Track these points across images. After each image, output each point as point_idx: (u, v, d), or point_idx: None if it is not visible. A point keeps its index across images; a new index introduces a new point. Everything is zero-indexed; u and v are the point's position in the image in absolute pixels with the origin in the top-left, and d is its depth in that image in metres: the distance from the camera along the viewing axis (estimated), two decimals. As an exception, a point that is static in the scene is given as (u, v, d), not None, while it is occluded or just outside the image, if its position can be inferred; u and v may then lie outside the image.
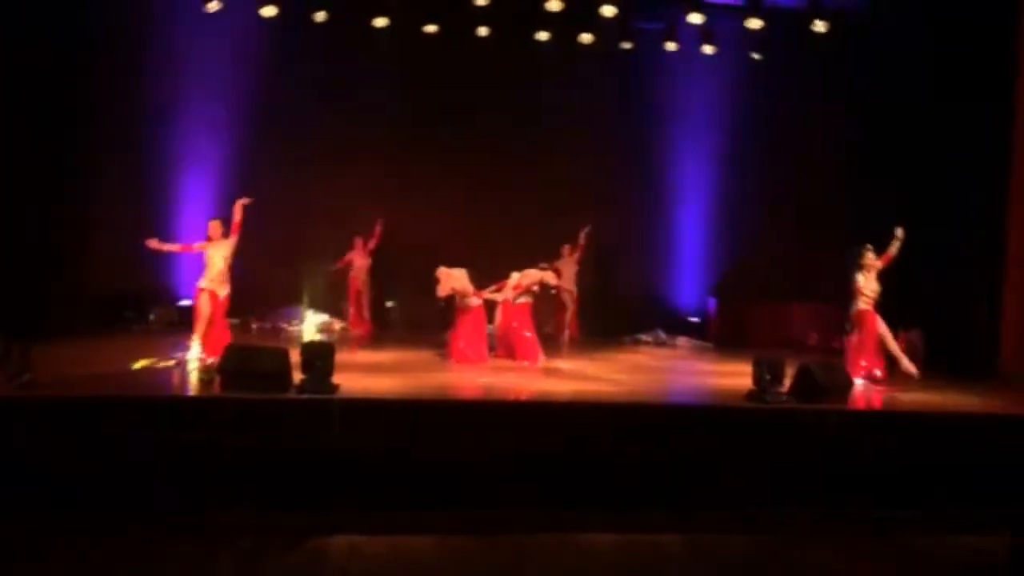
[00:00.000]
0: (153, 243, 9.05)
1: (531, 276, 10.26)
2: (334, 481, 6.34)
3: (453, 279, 9.95)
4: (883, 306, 9.25)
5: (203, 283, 8.92)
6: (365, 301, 13.01)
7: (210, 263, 8.93)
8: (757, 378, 7.60)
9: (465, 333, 10.05)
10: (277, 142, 13.18)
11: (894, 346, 9.03)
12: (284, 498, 6.19)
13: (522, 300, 10.24)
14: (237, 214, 8.90)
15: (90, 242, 12.57)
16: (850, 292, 9.16)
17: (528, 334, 10.17)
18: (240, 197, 9.04)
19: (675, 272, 14.55)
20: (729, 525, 6.34)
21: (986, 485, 6.82)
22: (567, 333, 12.97)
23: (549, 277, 10.48)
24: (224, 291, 8.95)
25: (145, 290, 12.81)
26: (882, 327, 9.05)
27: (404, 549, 5.70)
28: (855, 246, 9.30)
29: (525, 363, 9.95)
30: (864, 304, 9.08)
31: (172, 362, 8.66)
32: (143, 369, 8.37)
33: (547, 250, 12.39)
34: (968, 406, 8.14)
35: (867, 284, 9.06)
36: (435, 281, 10.05)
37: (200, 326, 8.80)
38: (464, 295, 10.02)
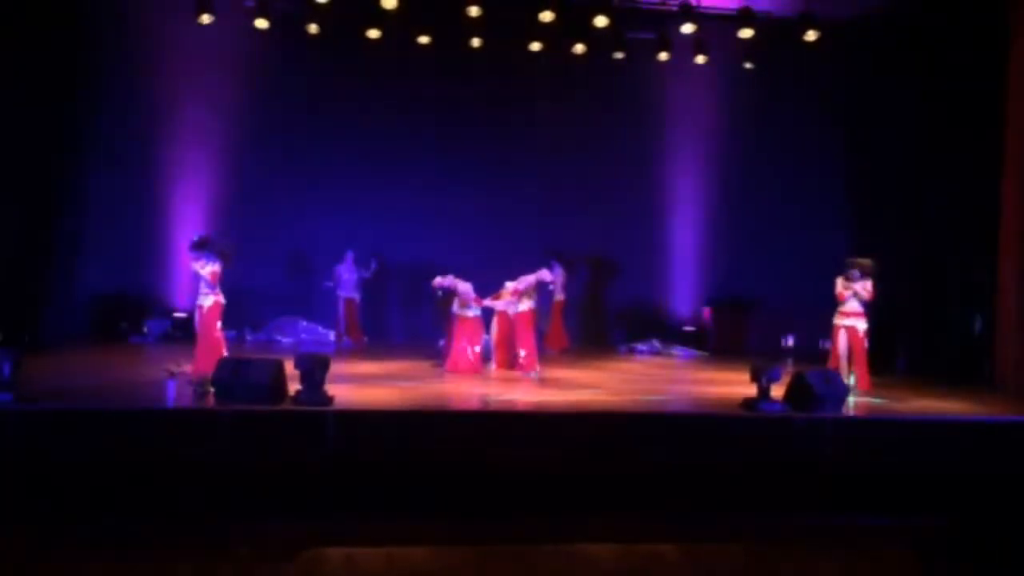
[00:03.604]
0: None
1: (526, 280, 10.22)
2: (330, 492, 6.33)
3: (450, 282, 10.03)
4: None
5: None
6: (356, 312, 12.99)
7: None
8: (760, 387, 7.61)
9: (461, 343, 10.03)
10: (270, 153, 13.19)
11: (843, 363, 9.05)
12: (280, 509, 6.17)
13: (524, 308, 10.16)
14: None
15: (84, 253, 12.57)
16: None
17: (527, 345, 10.11)
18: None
19: (670, 281, 14.57)
20: (726, 533, 6.33)
21: (980, 489, 6.83)
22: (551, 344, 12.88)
23: (544, 275, 10.43)
24: (207, 302, 8.84)
25: (140, 301, 12.78)
26: (842, 343, 9.07)
27: (400, 559, 5.68)
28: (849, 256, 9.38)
29: (520, 373, 9.93)
30: (836, 318, 9.18)
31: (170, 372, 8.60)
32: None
33: (541, 259, 12.39)
34: (962, 412, 8.15)
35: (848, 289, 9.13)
36: (433, 290, 10.06)
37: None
38: (464, 302, 10.02)
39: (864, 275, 9.13)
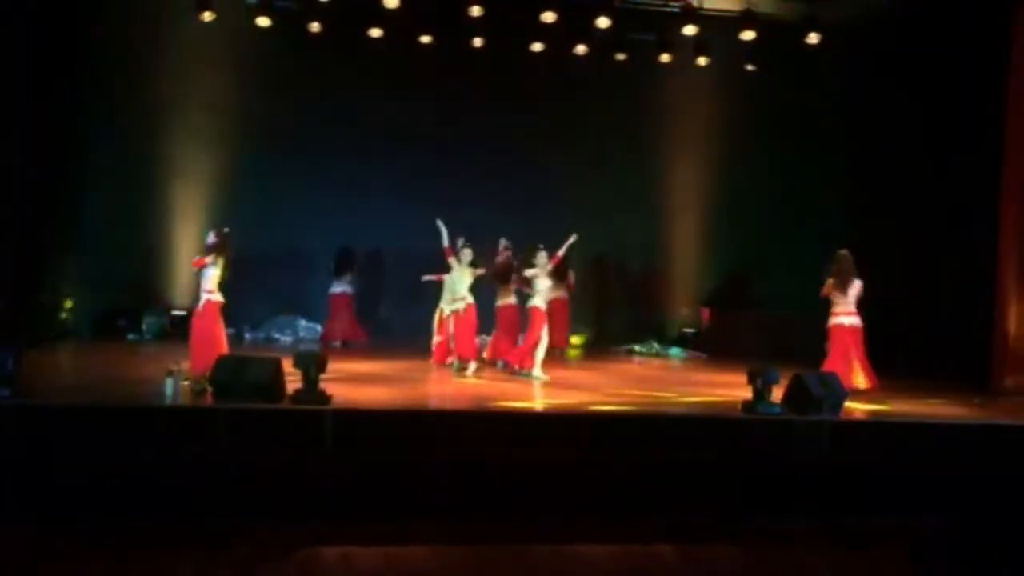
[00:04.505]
0: None
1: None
2: (327, 491, 6.32)
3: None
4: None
5: None
6: (351, 308, 12.93)
7: None
8: (756, 389, 7.60)
9: (460, 336, 10.01)
10: (270, 152, 13.17)
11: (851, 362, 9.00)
12: (277, 508, 6.16)
13: (535, 304, 10.05)
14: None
15: (83, 251, 12.57)
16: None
17: (527, 340, 10.03)
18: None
19: (670, 282, 14.57)
20: (723, 535, 6.33)
21: (978, 493, 6.83)
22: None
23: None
24: (200, 303, 8.82)
25: (138, 299, 12.77)
26: (850, 341, 9.07)
27: (397, 559, 5.68)
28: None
29: (517, 371, 9.90)
30: (834, 318, 9.18)
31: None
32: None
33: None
34: (960, 416, 8.15)
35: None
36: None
37: None
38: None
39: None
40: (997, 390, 9.68)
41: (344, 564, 5.52)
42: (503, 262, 10.42)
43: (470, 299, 10.09)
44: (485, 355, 10.62)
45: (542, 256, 10.10)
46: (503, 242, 10.71)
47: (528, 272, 10.01)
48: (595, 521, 6.34)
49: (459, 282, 10.06)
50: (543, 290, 9.96)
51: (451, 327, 10.12)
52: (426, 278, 10.86)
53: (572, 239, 10.31)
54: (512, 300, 10.50)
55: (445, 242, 10.18)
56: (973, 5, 10.63)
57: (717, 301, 14.03)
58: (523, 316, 10.27)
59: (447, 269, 10.32)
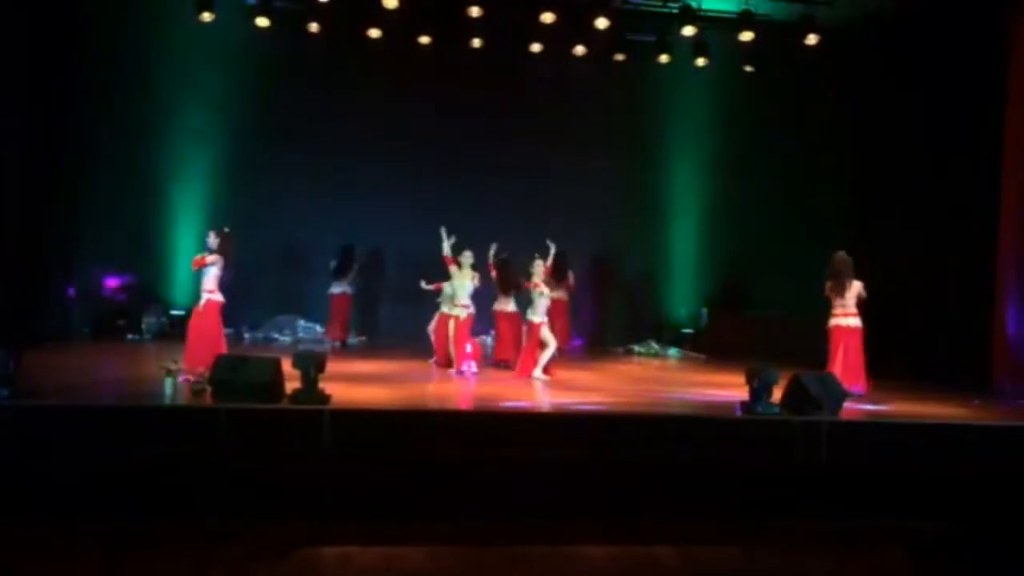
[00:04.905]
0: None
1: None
2: (326, 491, 6.32)
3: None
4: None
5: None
6: (349, 309, 12.89)
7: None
8: (753, 389, 7.59)
9: (459, 342, 10.00)
10: (269, 152, 13.18)
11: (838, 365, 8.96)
12: (276, 508, 6.16)
13: (532, 318, 10.01)
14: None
15: (82, 251, 12.57)
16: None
17: (528, 353, 9.98)
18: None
19: (668, 283, 14.57)
20: (722, 536, 6.33)
21: (977, 494, 6.83)
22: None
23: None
24: (200, 302, 8.85)
25: (138, 299, 12.77)
26: (847, 343, 9.07)
27: (396, 559, 5.68)
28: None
29: (516, 372, 9.89)
30: (832, 319, 9.18)
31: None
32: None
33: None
34: (960, 417, 8.15)
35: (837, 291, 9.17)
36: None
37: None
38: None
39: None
40: (997, 391, 9.68)
41: (343, 564, 5.51)
42: (512, 275, 10.36)
43: (471, 307, 10.09)
44: (490, 354, 10.64)
45: (539, 265, 10.09)
46: (494, 247, 10.68)
47: (535, 279, 9.96)
48: (595, 521, 6.34)
49: (461, 288, 10.06)
50: (541, 300, 9.89)
51: (451, 330, 10.11)
52: (425, 286, 10.85)
53: (552, 249, 10.42)
54: (512, 308, 10.48)
55: (446, 250, 10.17)
56: (973, 5, 10.63)
57: (716, 302, 14.02)
58: (523, 322, 10.27)
59: (446, 275, 10.32)
